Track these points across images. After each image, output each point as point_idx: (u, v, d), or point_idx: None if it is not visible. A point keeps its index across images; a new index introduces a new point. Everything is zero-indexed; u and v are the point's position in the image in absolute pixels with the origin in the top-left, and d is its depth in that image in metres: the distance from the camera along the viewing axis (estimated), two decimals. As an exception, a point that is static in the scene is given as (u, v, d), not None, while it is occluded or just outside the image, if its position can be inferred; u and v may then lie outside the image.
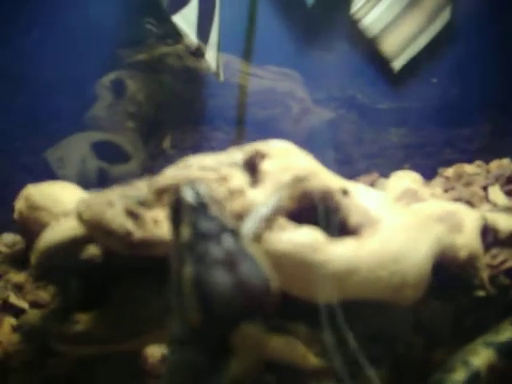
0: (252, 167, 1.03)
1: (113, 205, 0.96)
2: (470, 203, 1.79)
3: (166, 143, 2.20)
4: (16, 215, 1.50)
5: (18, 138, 1.98)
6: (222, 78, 1.96)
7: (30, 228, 1.46)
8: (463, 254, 1.10)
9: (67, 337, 1.23)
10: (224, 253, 0.70)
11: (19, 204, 1.49)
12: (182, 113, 2.24)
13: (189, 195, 0.75)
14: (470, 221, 1.17)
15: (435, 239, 1.04)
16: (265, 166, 1.02)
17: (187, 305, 0.69)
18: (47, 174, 1.91)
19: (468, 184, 1.93)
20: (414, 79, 2.26)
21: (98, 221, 0.96)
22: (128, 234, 0.94)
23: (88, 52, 2.05)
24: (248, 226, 0.89)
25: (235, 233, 0.73)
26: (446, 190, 1.90)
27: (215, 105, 2.23)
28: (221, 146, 1.30)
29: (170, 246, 0.86)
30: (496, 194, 1.84)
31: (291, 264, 0.92)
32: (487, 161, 2.16)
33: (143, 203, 0.98)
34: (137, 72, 2.19)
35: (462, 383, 0.99)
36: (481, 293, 1.38)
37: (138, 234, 0.94)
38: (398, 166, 2.13)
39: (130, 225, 0.94)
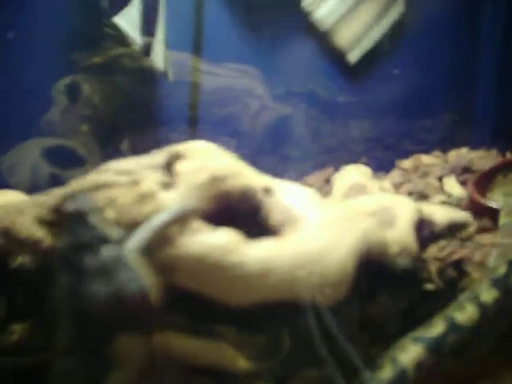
0: (170, 169, 1.01)
1: (23, 213, 0.94)
2: (424, 195, 1.78)
3: (124, 146, 2.18)
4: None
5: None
6: (170, 77, 1.94)
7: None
8: (394, 248, 1.08)
9: (2, 348, 1.21)
10: (99, 263, 0.68)
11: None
12: (139, 114, 2.22)
13: (68, 205, 0.73)
14: (403, 215, 1.15)
15: (361, 235, 1.02)
16: (180, 166, 1.00)
17: (61, 315, 0.67)
18: (0, 183, 1.89)
19: (424, 175, 1.92)
20: (372, 72, 2.25)
21: (8, 230, 0.93)
22: (37, 242, 0.92)
23: (42, 57, 2.02)
24: (137, 236, 0.86)
25: (116, 243, 0.71)
26: (402, 182, 1.88)
27: (172, 105, 2.21)
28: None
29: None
30: (451, 184, 1.83)
31: (206, 266, 0.90)
32: (447, 151, 2.15)
33: (55, 209, 0.95)
34: (92, 75, 2.17)
35: (388, 381, 0.97)
36: (429, 286, 1.37)
37: (47, 241, 0.92)
38: (357, 160, 2.12)
39: (40, 233, 0.92)
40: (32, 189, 1.56)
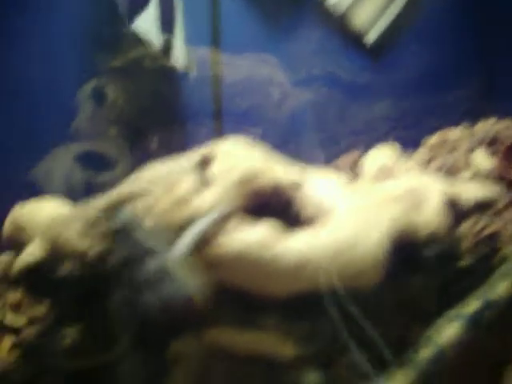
0: (201, 171, 1.05)
1: (70, 225, 0.98)
2: (453, 170, 1.78)
3: (153, 145, 2.22)
4: (5, 236, 1.54)
5: (3, 159, 2.01)
6: (193, 72, 1.97)
7: (19, 246, 1.49)
8: (424, 232, 1.10)
9: (56, 351, 1.27)
10: (147, 275, 0.72)
11: (7, 226, 1.53)
12: (165, 113, 2.26)
13: (113, 223, 0.76)
14: (432, 197, 1.16)
15: (391, 220, 1.05)
16: (212, 168, 1.03)
17: (119, 324, 0.71)
18: (34, 191, 1.94)
19: (452, 150, 1.91)
20: (391, 51, 2.25)
21: (56, 241, 0.98)
22: (84, 252, 0.96)
23: (63, 62, 2.06)
24: (180, 245, 0.90)
25: (159, 254, 0.75)
26: (430, 159, 1.88)
27: (196, 100, 2.23)
28: (206, 141, 1.32)
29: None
30: (480, 157, 1.82)
31: (246, 263, 0.94)
32: (473, 124, 2.13)
33: (99, 220, 1.00)
34: (115, 78, 2.21)
35: (427, 361, 1.00)
36: (462, 263, 1.38)
37: (92, 252, 0.96)
38: (383, 140, 2.12)
39: (84, 244, 0.96)
40: (68, 194, 1.62)
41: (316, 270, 0.96)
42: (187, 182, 1.00)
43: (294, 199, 1.05)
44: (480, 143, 1.91)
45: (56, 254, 0.99)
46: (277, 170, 1.06)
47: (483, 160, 1.81)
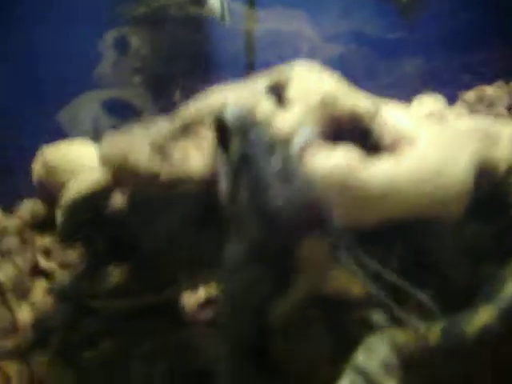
0: (277, 94, 0.99)
1: (137, 145, 0.92)
2: (494, 125, 1.73)
3: (177, 95, 2.16)
4: (35, 179, 1.48)
5: (28, 106, 1.94)
6: (228, 20, 1.91)
7: (50, 190, 1.43)
8: (502, 166, 1.06)
9: (100, 292, 1.22)
10: (276, 171, 0.68)
11: (37, 167, 1.47)
12: (190, 63, 2.19)
13: (233, 117, 0.71)
14: (505, 133, 1.12)
15: (473, 151, 1.00)
16: (289, 91, 0.97)
17: (248, 225, 0.66)
18: (61, 136, 1.88)
19: (491, 105, 1.88)
20: (424, 6, 2.19)
21: (124, 163, 0.92)
22: (156, 174, 0.90)
23: (86, 12, 1.99)
24: (294, 147, 0.86)
25: (284, 152, 0.70)
26: (468, 114, 1.84)
27: (223, 52, 2.17)
28: None
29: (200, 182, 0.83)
30: (522, 112, 1.79)
31: (330, 187, 0.88)
32: (507, 82, 2.10)
33: (169, 140, 0.94)
34: (138, 26, 2.14)
35: (513, 295, 0.96)
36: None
37: (165, 173, 0.90)
38: (416, 95, 2.07)
39: (157, 164, 0.90)
40: (93, 140, 1.55)
41: (404, 196, 0.91)
42: (264, 104, 0.94)
43: (373, 127, 1.00)
44: (519, 99, 1.87)
45: (122, 175, 0.93)
46: (355, 95, 1.01)
47: (525, 115, 1.78)
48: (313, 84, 0.98)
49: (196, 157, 0.90)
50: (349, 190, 0.90)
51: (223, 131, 0.72)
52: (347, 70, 2.25)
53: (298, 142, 0.89)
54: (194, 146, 0.91)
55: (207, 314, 1.28)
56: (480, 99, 1.93)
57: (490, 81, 2.13)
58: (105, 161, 0.95)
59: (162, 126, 0.96)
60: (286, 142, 0.86)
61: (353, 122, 1.00)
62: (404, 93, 2.11)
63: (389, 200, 0.91)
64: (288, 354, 0.74)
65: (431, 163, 0.94)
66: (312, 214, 0.66)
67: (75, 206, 1.14)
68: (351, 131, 1.01)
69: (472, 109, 1.88)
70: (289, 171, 0.68)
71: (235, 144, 0.70)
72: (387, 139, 1.00)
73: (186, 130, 0.94)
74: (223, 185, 0.71)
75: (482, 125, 1.14)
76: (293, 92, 0.97)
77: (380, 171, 0.92)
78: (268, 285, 0.65)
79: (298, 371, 0.82)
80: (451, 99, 2.08)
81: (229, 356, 0.69)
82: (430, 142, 0.98)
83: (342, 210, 0.91)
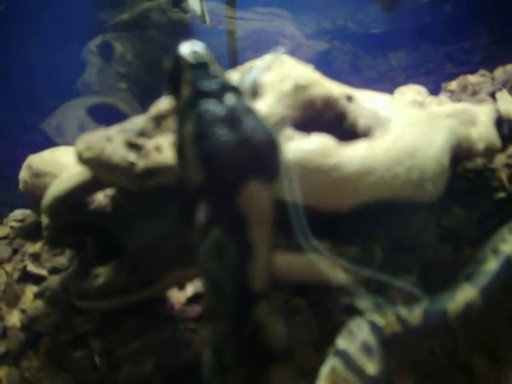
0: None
1: (111, 139, 0.93)
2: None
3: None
4: (21, 186, 1.48)
5: (14, 117, 1.95)
6: (208, 22, 1.91)
7: (37, 196, 1.43)
8: (480, 145, 1.06)
9: (88, 292, 1.22)
10: (226, 110, 0.67)
11: (23, 174, 1.47)
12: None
13: (188, 54, 0.71)
14: (483, 114, 1.12)
15: (449, 131, 1.00)
16: (263, 78, 0.98)
17: (189, 164, 0.65)
18: (48, 145, 1.88)
19: (474, 93, 1.88)
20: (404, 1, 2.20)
21: (99, 157, 0.92)
22: (131, 165, 0.90)
23: (70, 20, 2.00)
24: (246, 85, 0.86)
25: (237, 91, 0.69)
26: (453, 102, 1.84)
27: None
28: None
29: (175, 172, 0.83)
30: (504, 98, 1.79)
31: (305, 172, 0.89)
32: (491, 70, 2.10)
33: (142, 133, 0.94)
34: (122, 33, 2.15)
35: (494, 272, 0.96)
36: (501, 194, 1.35)
37: (140, 163, 0.90)
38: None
39: (131, 156, 0.91)
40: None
41: (379, 177, 0.91)
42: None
43: (348, 111, 1.00)
44: (503, 85, 1.87)
45: (99, 171, 0.93)
46: (327, 83, 1.01)
47: (508, 100, 1.78)
48: (286, 72, 0.99)
49: (169, 148, 0.90)
50: (323, 174, 0.90)
51: (177, 69, 0.71)
52: (332, 67, 2.27)
53: (248, 78, 0.90)
54: (168, 137, 0.92)
55: (195, 309, 1.28)
56: (463, 88, 1.93)
57: (473, 69, 2.13)
58: (81, 157, 0.96)
59: (135, 121, 0.97)
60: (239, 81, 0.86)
61: (327, 106, 1.00)
62: (389, 86, 2.12)
63: (363, 182, 0.91)
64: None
65: (406, 145, 0.94)
66: (257, 157, 0.65)
67: (56, 207, 1.15)
68: (326, 115, 1.01)
69: (456, 98, 1.88)
70: (240, 112, 0.67)
71: (187, 81, 0.69)
72: (362, 123, 1.00)
73: (159, 123, 0.94)
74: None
75: (459, 107, 1.15)
76: (266, 80, 0.97)
77: (354, 154, 0.92)
78: (232, 248, 0.64)
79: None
80: (436, 90, 2.08)
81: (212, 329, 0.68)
82: (406, 124, 0.99)
83: (317, 193, 0.91)
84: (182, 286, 1.30)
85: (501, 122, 1.16)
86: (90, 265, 1.26)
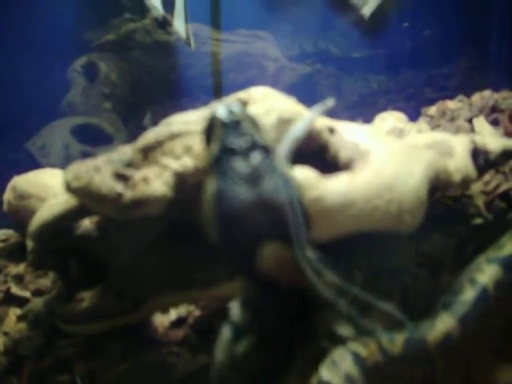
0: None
1: (100, 170, 0.95)
2: (456, 137, 1.78)
3: (147, 120, 2.19)
4: (5, 207, 1.48)
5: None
6: (193, 45, 1.94)
7: (22, 217, 1.44)
8: (456, 177, 1.10)
9: (73, 316, 1.23)
10: (250, 169, 0.69)
11: (7, 195, 1.47)
12: (159, 87, 2.22)
13: (222, 113, 0.73)
14: (459, 145, 1.16)
15: (427, 164, 1.04)
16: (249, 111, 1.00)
17: (206, 220, 0.67)
18: (32, 165, 1.89)
19: (452, 119, 1.93)
20: (386, 25, 2.25)
21: (87, 188, 0.94)
22: (118, 196, 0.93)
23: (55, 40, 2.01)
24: (283, 146, 0.89)
25: (266, 150, 0.72)
26: (432, 128, 1.89)
27: (191, 76, 2.21)
28: None
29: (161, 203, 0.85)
30: (481, 124, 1.84)
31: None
32: (468, 96, 2.16)
33: (130, 164, 0.96)
34: (107, 53, 2.16)
35: (471, 302, 0.99)
36: (478, 220, 1.39)
37: (128, 194, 0.93)
38: (381, 112, 2.12)
39: (119, 187, 0.93)
40: (65, 167, 1.57)
41: (359, 210, 0.94)
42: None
43: (330, 143, 1.03)
44: (480, 111, 1.92)
45: (87, 201, 0.95)
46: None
47: (485, 127, 1.83)
48: (270, 105, 1.01)
49: (157, 180, 0.93)
50: (306, 206, 0.93)
51: (211, 127, 0.74)
52: (314, 90, 2.31)
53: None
54: (155, 169, 0.94)
55: (178, 333, 1.30)
56: (442, 114, 1.98)
57: (452, 94, 2.19)
58: (69, 186, 0.98)
59: (123, 151, 0.99)
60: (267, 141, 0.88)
61: (310, 139, 1.03)
62: (370, 111, 2.16)
63: (344, 215, 0.94)
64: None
65: (385, 178, 0.97)
66: (275, 219, 0.67)
67: (43, 233, 1.16)
68: (309, 148, 1.04)
69: (434, 123, 1.92)
70: (264, 172, 0.69)
71: (217, 138, 0.71)
72: (343, 155, 1.04)
73: (147, 154, 0.97)
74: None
75: (436, 138, 1.19)
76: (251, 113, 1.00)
77: (336, 187, 0.95)
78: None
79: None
80: (416, 114, 2.13)
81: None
82: (385, 156, 1.02)
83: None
84: (165, 311, 1.32)
85: (477, 152, 1.20)
86: (75, 288, 1.27)
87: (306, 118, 0.99)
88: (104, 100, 2.14)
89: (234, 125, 0.72)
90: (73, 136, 1.95)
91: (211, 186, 0.69)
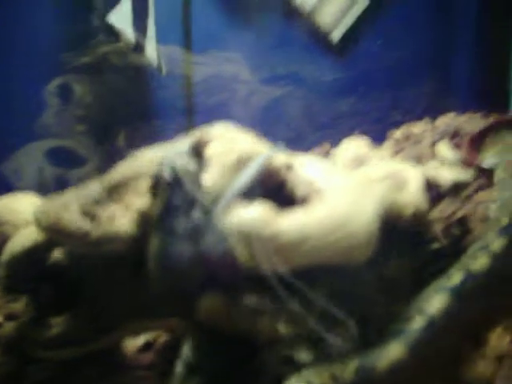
0: (198, 154, 1.07)
1: (68, 208, 0.99)
2: (419, 162, 1.85)
3: (120, 142, 2.22)
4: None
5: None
6: (164, 71, 1.99)
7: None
8: (408, 210, 1.16)
9: (44, 342, 1.27)
10: (190, 226, 0.73)
11: (-20, 220, 1.50)
12: (133, 110, 2.26)
13: (166, 171, 0.78)
14: (412, 178, 1.22)
15: (379, 199, 1.10)
16: (209, 150, 1.06)
17: (151, 274, 0.72)
18: (5, 187, 1.92)
19: (416, 143, 1.99)
20: (354, 48, 2.32)
21: (56, 225, 0.99)
22: (86, 234, 0.97)
23: (30, 61, 2.04)
24: (224, 201, 0.93)
25: (205, 207, 0.76)
26: (396, 152, 1.95)
27: (164, 98, 2.25)
28: (175, 138, 1.34)
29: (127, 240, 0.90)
30: (443, 149, 1.90)
31: (243, 239, 0.97)
32: (434, 118, 2.22)
33: (97, 202, 1.01)
34: (82, 75, 2.20)
35: (419, 331, 1.05)
36: (435, 245, 1.45)
37: (94, 232, 0.97)
38: (350, 134, 2.18)
39: (86, 225, 0.98)
40: (39, 191, 1.61)
41: (312, 246, 1.00)
42: (184, 164, 1.02)
43: (287, 180, 1.09)
44: (443, 136, 1.99)
45: (58, 237, 1.00)
46: (269, 152, 1.10)
47: (447, 151, 1.89)
48: (229, 143, 1.07)
49: (122, 218, 0.97)
50: (264, 242, 0.98)
51: (156, 185, 0.79)
52: (284, 112, 2.36)
53: (225, 200, 0.97)
54: (120, 207, 0.99)
55: (147, 357, 1.34)
56: (407, 137, 2.04)
57: (419, 117, 2.25)
58: (39, 224, 1.02)
59: (91, 188, 1.04)
60: (207, 198, 0.94)
61: (269, 176, 1.09)
62: (338, 133, 2.22)
63: (300, 249, 1.00)
64: None
65: (338, 215, 1.03)
66: (212, 273, 0.72)
67: (14, 263, 1.20)
68: (268, 184, 1.10)
69: (399, 147, 1.98)
70: (203, 229, 0.74)
71: (160, 197, 0.76)
72: (300, 191, 1.09)
73: (113, 193, 1.02)
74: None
75: (390, 170, 1.25)
76: (210, 152, 1.05)
77: (291, 223, 1.01)
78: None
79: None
80: (382, 137, 2.20)
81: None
82: (340, 193, 1.08)
83: (259, 258, 0.99)
84: (136, 335, 1.36)
85: (429, 185, 1.26)
86: (46, 313, 1.30)
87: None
88: (77, 122, 2.17)
89: (177, 183, 0.77)
90: (47, 159, 1.99)
91: (155, 242, 0.73)
